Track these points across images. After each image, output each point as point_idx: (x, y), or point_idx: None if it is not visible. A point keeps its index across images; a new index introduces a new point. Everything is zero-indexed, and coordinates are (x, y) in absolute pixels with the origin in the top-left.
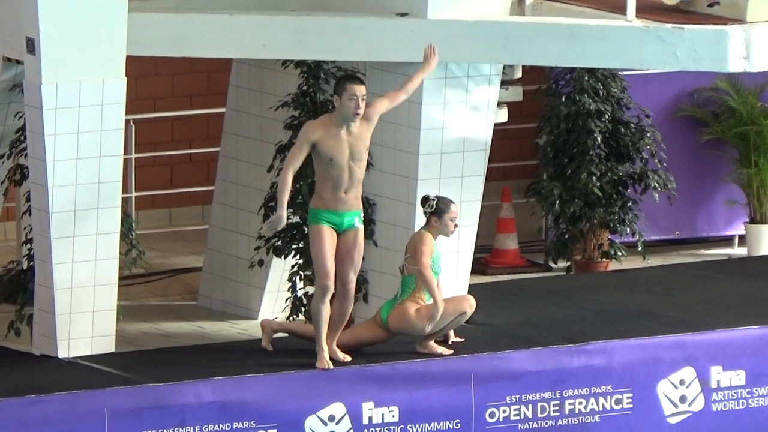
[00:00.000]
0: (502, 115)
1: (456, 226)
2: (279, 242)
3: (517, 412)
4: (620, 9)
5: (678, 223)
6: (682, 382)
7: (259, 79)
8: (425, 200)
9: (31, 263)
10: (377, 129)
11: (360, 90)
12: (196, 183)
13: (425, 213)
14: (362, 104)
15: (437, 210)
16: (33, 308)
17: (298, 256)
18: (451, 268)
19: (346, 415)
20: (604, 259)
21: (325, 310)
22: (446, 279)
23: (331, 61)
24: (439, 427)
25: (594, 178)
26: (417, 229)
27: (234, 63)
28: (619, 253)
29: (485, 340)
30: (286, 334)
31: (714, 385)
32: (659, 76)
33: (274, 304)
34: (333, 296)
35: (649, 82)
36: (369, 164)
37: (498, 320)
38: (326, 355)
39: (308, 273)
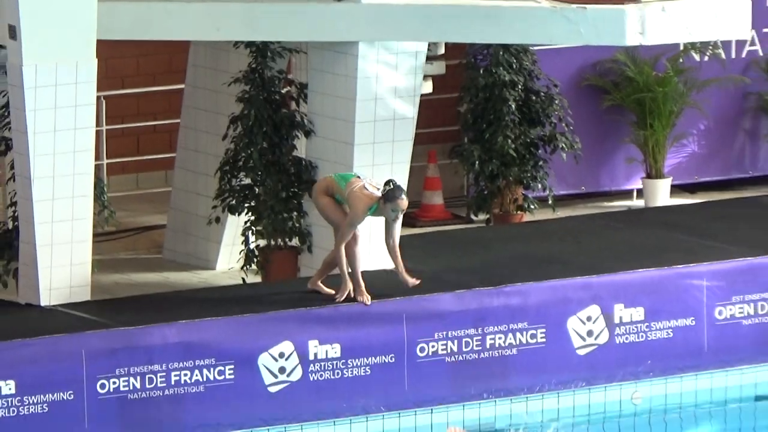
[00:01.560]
0: (428, 87)
1: (396, 218)
2: (233, 201)
3: (444, 347)
4: None
5: (583, 179)
6: (589, 319)
7: (214, 59)
8: (387, 182)
9: (16, 224)
10: (319, 101)
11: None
12: (160, 151)
13: (381, 191)
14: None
15: (386, 195)
16: (18, 263)
17: (249, 214)
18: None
19: (294, 352)
20: (519, 212)
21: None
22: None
23: (276, 41)
24: (375, 362)
25: (509, 140)
26: None
27: (192, 45)
28: (532, 206)
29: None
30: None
31: (617, 320)
32: (565, 51)
33: (229, 255)
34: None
35: (556, 56)
36: (311, 131)
37: (426, 267)
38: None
39: (259, 228)
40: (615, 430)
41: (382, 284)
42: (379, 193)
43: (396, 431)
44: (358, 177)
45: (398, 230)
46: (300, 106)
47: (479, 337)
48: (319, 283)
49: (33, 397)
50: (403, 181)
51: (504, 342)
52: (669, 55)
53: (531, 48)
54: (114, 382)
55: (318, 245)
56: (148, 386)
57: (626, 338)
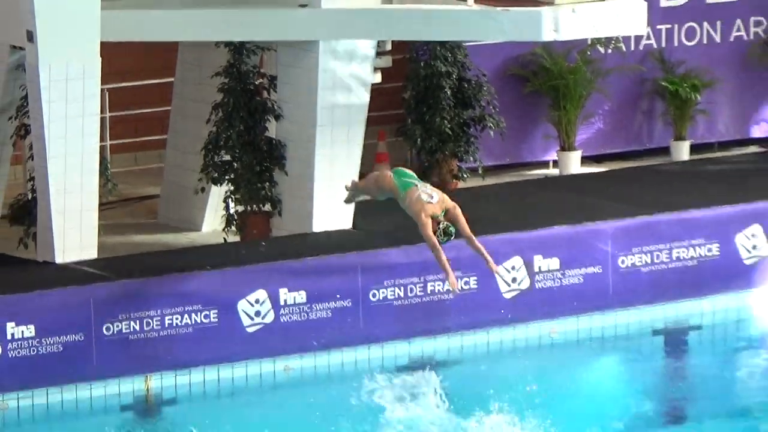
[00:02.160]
0: (377, 77)
1: (456, 217)
2: (216, 174)
3: (392, 293)
4: None
5: (508, 152)
6: (513, 268)
7: (199, 56)
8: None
9: (34, 195)
10: (287, 90)
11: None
12: (154, 133)
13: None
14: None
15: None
16: (36, 228)
17: (229, 184)
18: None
19: (267, 299)
20: (454, 180)
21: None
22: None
23: (251, 41)
24: (335, 306)
25: (445, 121)
26: (314, 163)
27: (180, 45)
28: (465, 176)
29: (369, 241)
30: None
31: (536, 269)
32: (492, 46)
33: (213, 219)
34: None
35: (485, 50)
36: (280, 116)
37: (379, 226)
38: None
39: (237, 196)
40: (536, 360)
41: (338, 241)
42: (432, 201)
43: (353, 363)
44: (416, 185)
45: (464, 223)
46: (271, 94)
47: (422, 285)
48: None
49: (49, 339)
50: (357, 156)
51: (442, 288)
52: (579, 48)
53: (463, 44)
54: (117, 326)
55: (287, 210)
56: (145, 328)
57: (544, 284)
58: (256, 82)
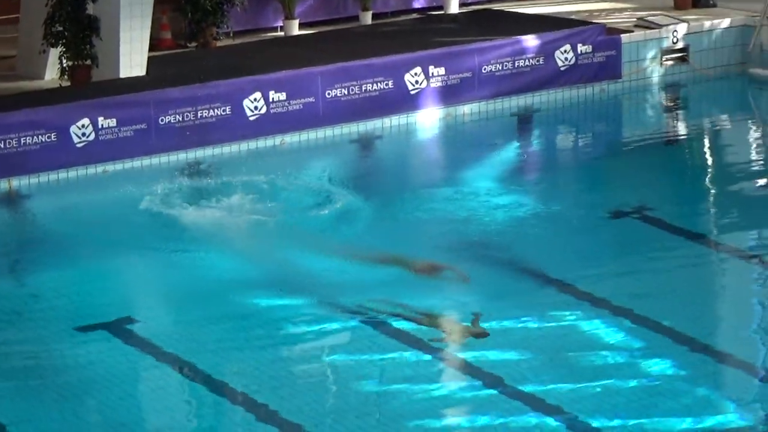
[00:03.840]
0: None
1: None
2: (53, 40)
3: (174, 118)
4: None
5: (249, 20)
6: (255, 99)
7: None
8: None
9: None
10: None
11: None
12: (13, 12)
13: None
14: None
15: None
16: None
17: (62, 47)
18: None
19: (90, 124)
20: (214, 41)
21: None
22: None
23: None
24: (136, 128)
25: (207, 1)
26: (120, 31)
27: None
28: (221, 38)
29: (158, 83)
30: None
31: (271, 100)
32: None
33: (52, 71)
34: None
35: None
36: (97, 0)
37: (165, 74)
38: None
39: (68, 55)
40: (272, 159)
41: (134, 83)
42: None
43: (149, 167)
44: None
45: None
46: None
47: (194, 113)
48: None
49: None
50: (148, 26)
51: (207, 114)
52: None
53: None
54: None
55: (102, 63)
56: (7, 146)
57: (277, 110)
58: None
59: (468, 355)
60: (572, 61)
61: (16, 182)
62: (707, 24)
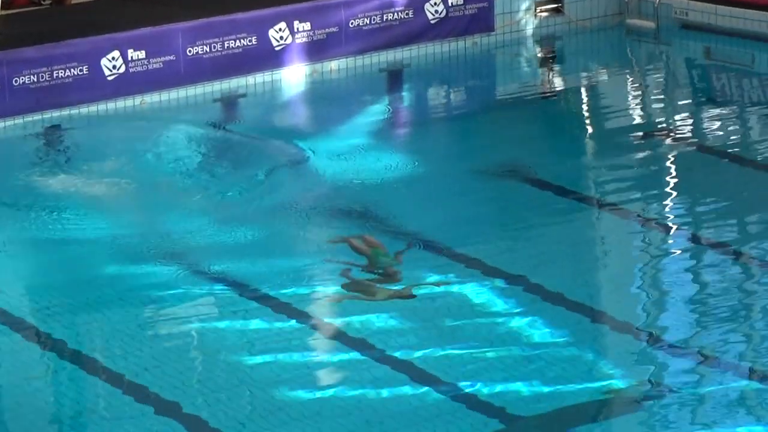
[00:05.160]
0: None
1: None
2: None
3: (28, 79)
4: None
5: None
6: (113, 58)
7: None
8: None
9: None
10: None
11: None
12: None
13: None
14: None
15: None
16: None
17: None
18: None
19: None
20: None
21: None
22: None
23: None
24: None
25: None
26: None
27: None
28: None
29: (10, 42)
30: None
31: (130, 58)
32: None
33: None
34: None
35: None
36: None
37: (19, 32)
38: None
39: None
40: (133, 120)
41: None
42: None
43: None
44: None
45: None
46: None
47: (50, 72)
48: None
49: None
50: None
51: (64, 75)
52: None
53: None
54: None
55: None
56: None
57: (136, 69)
58: None
59: (339, 321)
60: (443, 14)
61: None
62: None
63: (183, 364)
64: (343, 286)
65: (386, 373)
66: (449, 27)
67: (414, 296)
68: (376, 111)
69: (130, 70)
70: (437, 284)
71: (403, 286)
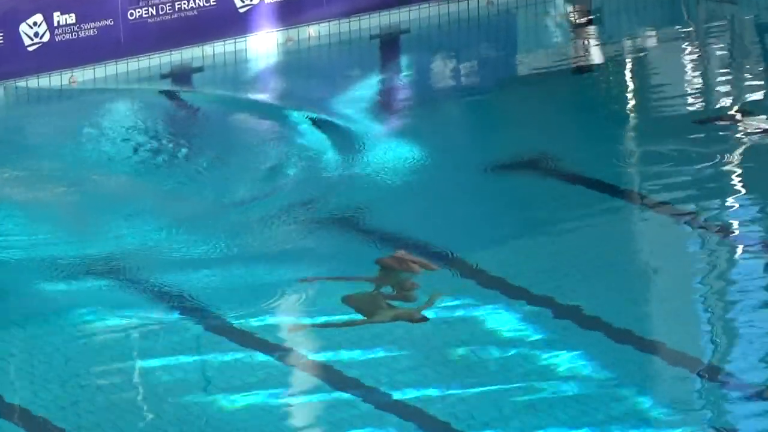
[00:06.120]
0: None
1: None
2: None
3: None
4: None
5: None
6: (35, 24)
7: None
8: None
9: None
10: None
11: None
12: None
13: None
14: None
15: None
16: None
17: None
18: None
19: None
20: None
21: None
22: None
23: None
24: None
25: None
26: None
27: None
28: None
29: None
30: None
31: (56, 24)
32: None
33: None
34: None
35: None
36: None
37: None
38: None
39: None
40: (61, 103)
41: None
42: None
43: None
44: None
45: None
46: None
47: None
48: None
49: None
50: None
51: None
52: None
53: None
54: None
55: None
56: None
57: (63, 37)
58: None
59: (319, 356)
60: None
61: None
62: None
63: (122, 408)
64: (343, 300)
65: (384, 419)
66: None
67: (426, 319)
68: (367, 89)
69: (56, 38)
70: (430, 302)
71: (416, 306)
